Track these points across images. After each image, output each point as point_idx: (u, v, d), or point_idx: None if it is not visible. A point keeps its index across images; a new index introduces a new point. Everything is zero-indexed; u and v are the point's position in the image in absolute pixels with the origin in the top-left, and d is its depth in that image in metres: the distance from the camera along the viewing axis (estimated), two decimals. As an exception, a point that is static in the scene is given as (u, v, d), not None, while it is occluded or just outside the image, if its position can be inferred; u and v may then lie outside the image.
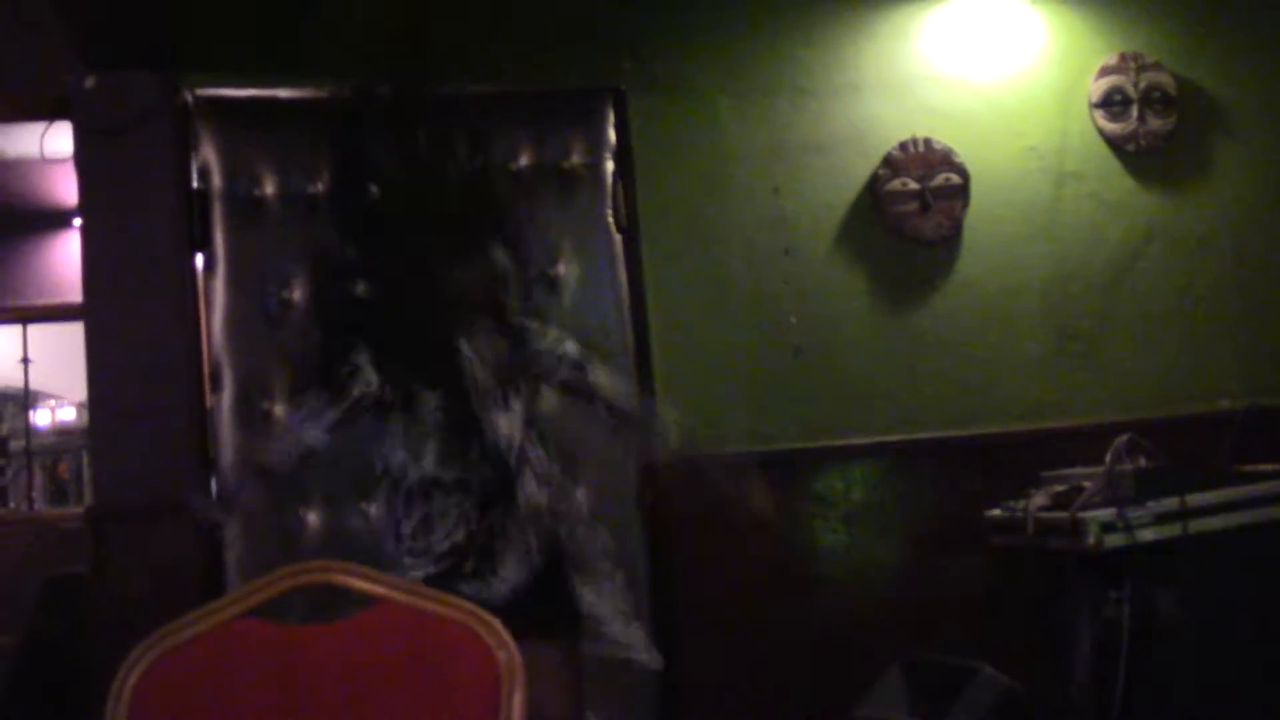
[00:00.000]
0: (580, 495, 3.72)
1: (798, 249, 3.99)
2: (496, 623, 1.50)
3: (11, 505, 7.13)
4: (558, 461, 3.33)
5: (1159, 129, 4.18)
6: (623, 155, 3.91)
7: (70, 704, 3.28)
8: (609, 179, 3.88)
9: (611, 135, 3.91)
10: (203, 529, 3.43)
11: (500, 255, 2.92)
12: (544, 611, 2.66)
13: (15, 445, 7.78)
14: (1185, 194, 4.20)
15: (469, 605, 1.53)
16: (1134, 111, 4.16)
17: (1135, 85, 4.17)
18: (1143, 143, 4.17)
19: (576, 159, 3.86)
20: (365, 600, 1.60)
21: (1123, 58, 4.19)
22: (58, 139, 3.89)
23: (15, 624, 4.19)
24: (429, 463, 2.64)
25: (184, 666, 1.57)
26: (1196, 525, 3.23)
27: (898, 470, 3.93)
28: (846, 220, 4.04)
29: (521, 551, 2.75)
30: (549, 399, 3.37)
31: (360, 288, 2.85)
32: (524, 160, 3.83)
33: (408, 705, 1.53)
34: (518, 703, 1.46)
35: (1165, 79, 4.19)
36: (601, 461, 3.76)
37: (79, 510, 6.01)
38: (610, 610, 2.85)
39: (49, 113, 3.89)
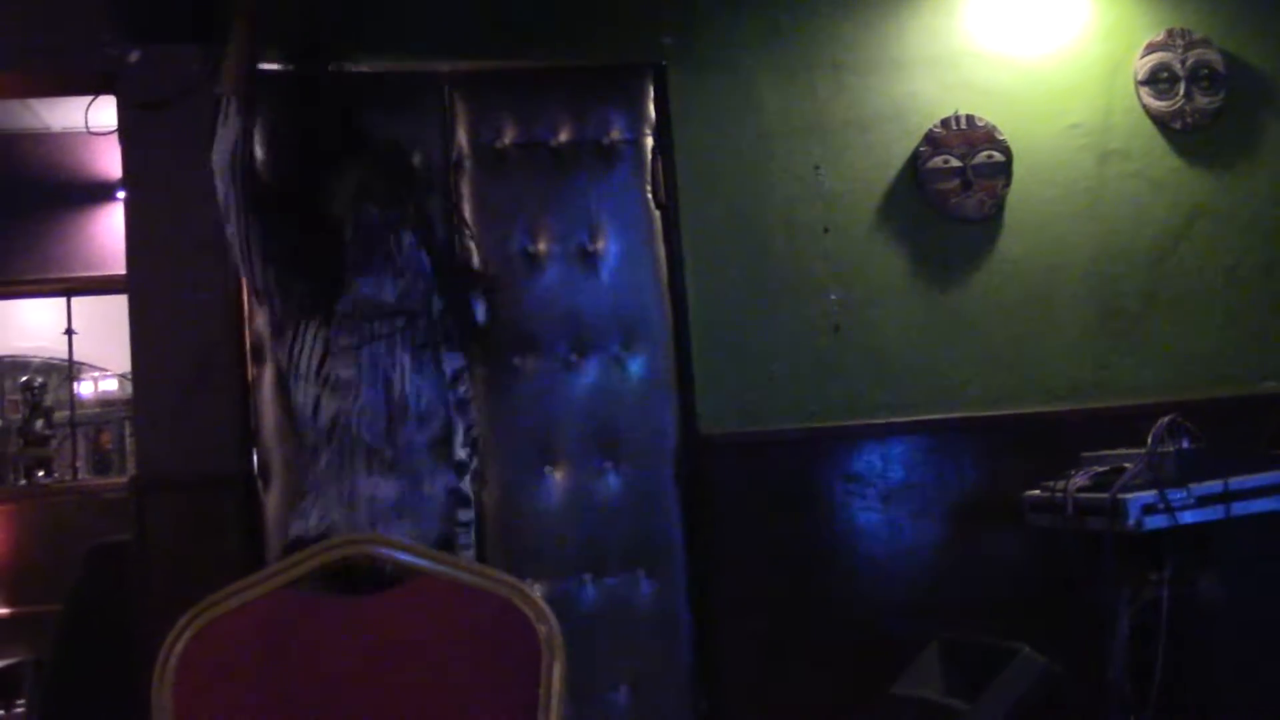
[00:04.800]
0: (613, 469, 3.74)
1: (838, 227, 3.97)
2: (536, 595, 1.51)
3: (56, 475, 7.22)
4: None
5: (1206, 106, 4.12)
6: (662, 131, 3.90)
7: (116, 670, 3.33)
8: (649, 155, 3.87)
9: (651, 111, 3.90)
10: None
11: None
12: None
13: (59, 416, 7.88)
14: (1233, 172, 4.14)
15: (509, 578, 1.54)
16: (1181, 89, 4.11)
17: (1182, 62, 4.12)
18: (1189, 120, 4.11)
19: (616, 135, 3.86)
20: (405, 573, 1.62)
21: (1170, 34, 4.13)
22: (102, 112, 3.91)
23: (61, 591, 4.26)
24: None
25: (227, 636, 1.59)
26: (1239, 508, 3.20)
27: (937, 449, 3.92)
28: (887, 198, 4.01)
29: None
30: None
31: None
32: (564, 136, 3.83)
33: (447, 678, 1.55)
34: (558, 675, 1.47)
35: (1213, 56, 4.13)
36: (639, 436, 3.78)
37: (122, 480, 6.07)
38: None
39: (94, 87, 3.92)
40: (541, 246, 3.78)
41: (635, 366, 3.81)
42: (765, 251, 3.94)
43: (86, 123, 4.10)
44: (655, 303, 3.85)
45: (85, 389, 9.24)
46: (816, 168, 4.00)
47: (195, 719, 1.55)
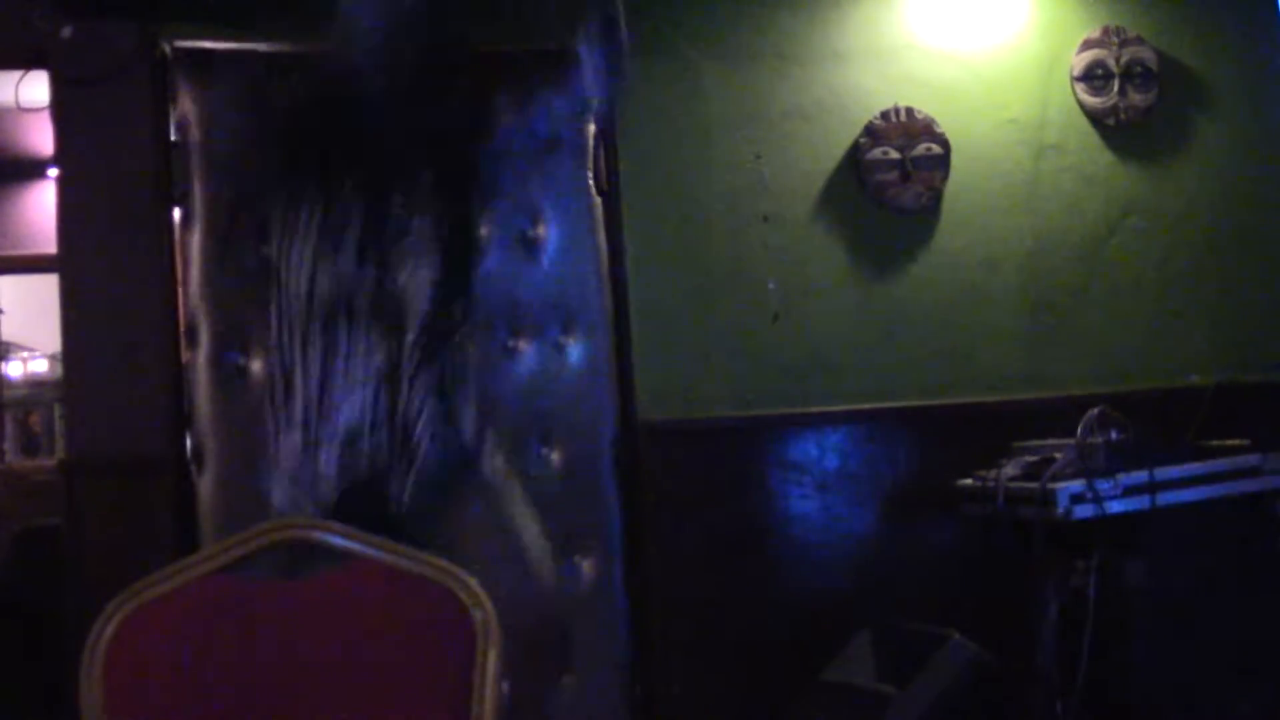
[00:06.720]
0: (551, 455, 3.73)
1: (778, 216, 4.00)
2: (473, 582, 1.51)
3: (-18, 456, 7.08)
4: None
5: (1140, 103, 4.19)
6: (604, 118, 3.89)
7: (44, 655, 3.29)
8: (590, 142, 3.87)
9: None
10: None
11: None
12: None
13: (-14, 396, 7.72)
14: (1164, 169, 4.22)
15: (446, 564, 1.54)
16: (1115, 85, 4.17)
17: (1117, 59, 4.18)
18: (1123, 117, 4.18)
19: (558, 120, 3.84)
20: (341, 557, 1.61)
21: (1105, 31, 4.19)
22: (33, 88, 3.83)
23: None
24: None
25: (159, 621, 1.58)
26: (1164, 498, 3.27)
27: (872, 438, 3.96)
28: (827, 188, 4.04)
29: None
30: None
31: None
32: (504, 120, 3.81)
33: (382, 663, 1.54)
34: (492, 661, 1.47)
35: (1147, 53, 4.20)
36: (575, 421, 3.77)
37: (50, 463, 5.97)
38: None
39: (24, 61, 3.83)
40: (482, 231, 3.76)
41: (574, 352, 3.80)
42: (706, 239, 3.95)
43: (16, 98, 4.02)
44: (595, 289, 3.84)
45: (13, 369, 9.06)
46: (758, 156, 4.01)
47: (125, 704, 1.54)
